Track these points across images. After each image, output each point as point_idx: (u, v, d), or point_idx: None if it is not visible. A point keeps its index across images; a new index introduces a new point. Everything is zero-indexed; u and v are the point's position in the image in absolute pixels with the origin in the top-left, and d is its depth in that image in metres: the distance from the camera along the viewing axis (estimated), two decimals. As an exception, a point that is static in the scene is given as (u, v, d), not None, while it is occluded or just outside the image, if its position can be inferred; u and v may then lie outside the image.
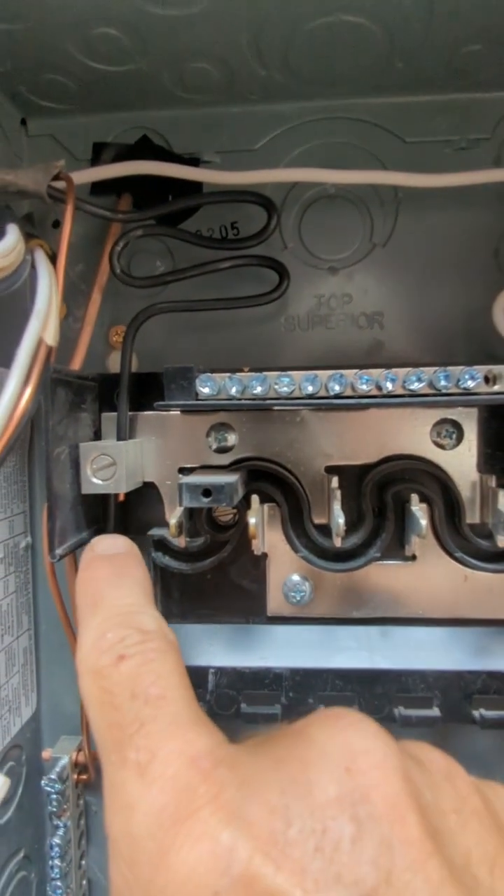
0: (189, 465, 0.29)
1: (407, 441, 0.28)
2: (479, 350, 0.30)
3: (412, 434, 0.28)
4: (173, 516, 0.25)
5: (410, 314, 0.30)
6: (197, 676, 0.28)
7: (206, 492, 0.23)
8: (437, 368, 0.25)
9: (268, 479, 0.28)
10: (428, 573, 0.29)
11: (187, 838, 0.14)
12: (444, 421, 0.28)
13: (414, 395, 0.25)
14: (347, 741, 0.15)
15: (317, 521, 0.28)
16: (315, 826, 0.14)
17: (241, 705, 0.28)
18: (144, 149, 0.30)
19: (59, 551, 0.24)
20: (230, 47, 0.25)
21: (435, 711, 0.27)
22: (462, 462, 0.28)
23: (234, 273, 0.29)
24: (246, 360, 0.30)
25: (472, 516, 0.28)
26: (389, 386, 0.25)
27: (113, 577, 0.22)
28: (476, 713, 0.27)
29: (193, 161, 0.29)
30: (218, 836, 0.14)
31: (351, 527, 0.28)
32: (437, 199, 0.29)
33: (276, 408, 0.24)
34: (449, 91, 0.28)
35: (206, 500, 0.23)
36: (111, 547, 0.23)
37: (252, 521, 0.25)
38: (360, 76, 0.27)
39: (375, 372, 0.25)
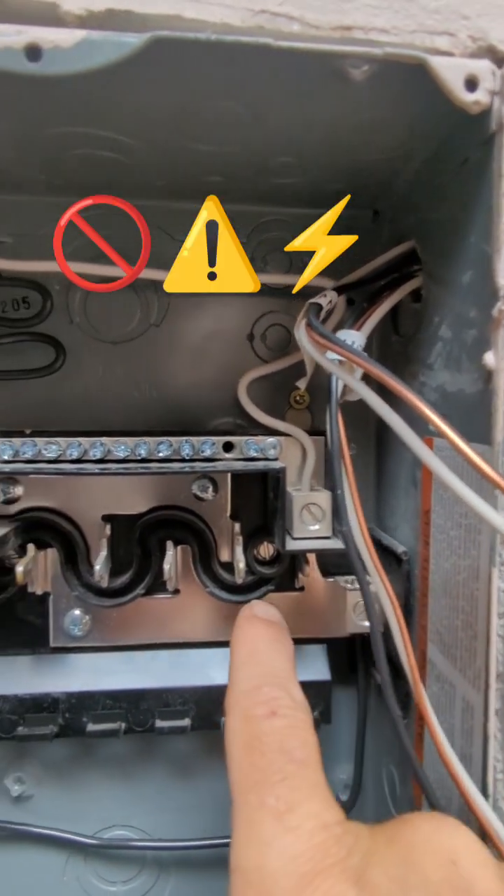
0: (-20, 516, 0.32)
1: (172, 493, 0.33)
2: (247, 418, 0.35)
3: (177, 487, 0.33)
4: None
5: (182, 384, 0.35)
6: (-20, 705, 0.32)
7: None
8: (183, 438, 0.30)
9: (47, 527, 0.32)
10: (188, 604, 0.34)
11: (317, 890, 0.16)
12: (203, 476, 0.33)
13: (162, 460, 0.30)
14: (452, 838, 0.17)
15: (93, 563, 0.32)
16: None
17: (19, 728, 0.32)
18: None
19: None
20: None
21: (185, 722, 0.32)
22: (217, 512, 0.34)
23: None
24: (43, 420, 0.34)
25: (225, 556, 0.34)
26: (143, 452, 0.30)
27: (270, 639, 0.24)
28: (222, 720, 0.33)
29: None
30: (345, 893, 0.16)
31: (124, 566, 0.33)
32: (203, 288, 0.35)
33: (31, 475, 0.28)
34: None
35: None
36: (268, 613, 0.26)
37: (19, 569, 0.29)
38: (122, 184, 0.32)
39: (131, 441, 0.30)
